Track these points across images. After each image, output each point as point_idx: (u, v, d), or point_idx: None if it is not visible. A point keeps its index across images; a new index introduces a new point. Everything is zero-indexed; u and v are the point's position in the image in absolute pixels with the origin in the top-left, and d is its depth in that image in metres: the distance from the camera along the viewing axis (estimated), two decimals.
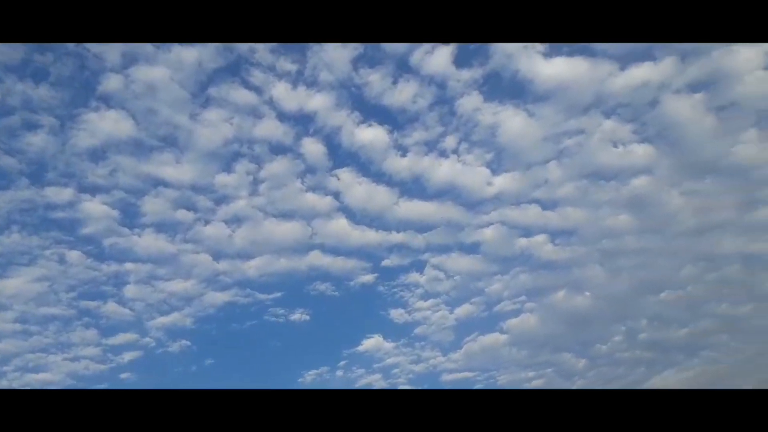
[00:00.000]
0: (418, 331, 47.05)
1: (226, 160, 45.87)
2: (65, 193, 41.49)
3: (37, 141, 40.66)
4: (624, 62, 41.63)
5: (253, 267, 46.32)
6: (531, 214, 45.14)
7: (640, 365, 42.96)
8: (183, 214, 44.34)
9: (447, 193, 47.06)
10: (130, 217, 43.65)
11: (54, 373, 39.59)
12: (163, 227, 44.69)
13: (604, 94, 42.86)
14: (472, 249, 47.32)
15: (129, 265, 43.32)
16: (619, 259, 44.70)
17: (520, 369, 45.92)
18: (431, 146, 47.18)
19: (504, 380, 45.74)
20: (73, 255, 41.57)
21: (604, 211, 43.93)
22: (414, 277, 47.77)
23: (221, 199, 45.39)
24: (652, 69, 40.94)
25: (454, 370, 45.82)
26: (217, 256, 45.67)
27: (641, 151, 42.13)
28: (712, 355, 40.98)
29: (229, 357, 49.77)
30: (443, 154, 46.51)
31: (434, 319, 46.71)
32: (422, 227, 47.51)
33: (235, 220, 45.67)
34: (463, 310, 46.53)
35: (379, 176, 47.33)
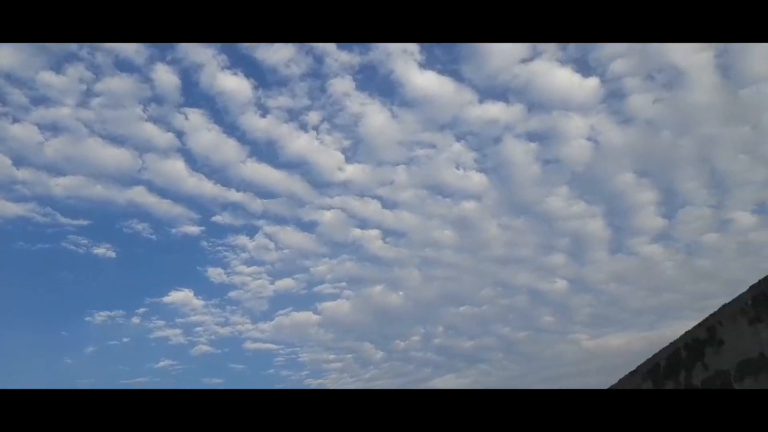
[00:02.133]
0: (232, 294, 45.91)
1: (59, 57, 39.84)
2: None
3: None
4: (484, 96, 45.72)
5: (61, 185, 40.79)
6: (371, 208, 46.98)
7: (428, 366, 47.37)
8: None
9: (298, 166, 46.81)
10: None
11: None
12: None
13: (460, 118, 46.46)
14: (308, 227, 47.68)
15: None
16: (436, 268, 48.78)
17: (323, 350, 47.43)
18: (294, 116, 46.44)
19: (305, 358, 46.80)
20: None
21: (434, 222, 47.60)
22: (243, 240, 46.51)
23: (40, 100, 39.18)
24: (504, 110, 45.43)
25: (258, 339, 45.63)
26: (20, 161, 39.38)
27: (477, 179, 46.54)
28: (486, 368, 46.85)
29: (7, 276, 43.16)
30: (304, 127, 46.04)
31: (252, 287, 46.01)
32: (264, 193, 46.60)
33: (52, 128, 39.80)
34: (284, 283, 46.62)
35: (232, 129, 45.14)
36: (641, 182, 44.19)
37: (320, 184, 47.33)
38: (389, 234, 47.67)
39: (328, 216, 46.76)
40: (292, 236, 47.03)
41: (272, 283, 46.24)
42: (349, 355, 47.66)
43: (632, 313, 46.04)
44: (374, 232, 47.01)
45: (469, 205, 46.57)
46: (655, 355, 7.10)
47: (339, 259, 47.52)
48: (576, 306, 46.16)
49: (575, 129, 44.04)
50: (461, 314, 47.59)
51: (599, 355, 43.96)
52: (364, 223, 47.06)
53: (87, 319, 42.24)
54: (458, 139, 46.18)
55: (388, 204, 47.47)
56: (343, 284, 47.41)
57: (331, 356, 47.11)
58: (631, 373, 7.61)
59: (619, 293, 45.88)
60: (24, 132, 38.70)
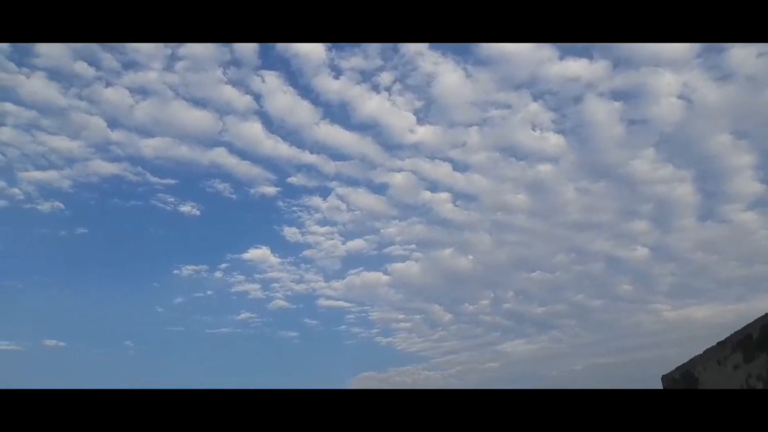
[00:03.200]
0: (307, 253, 47.58)
1: None
2: None
3: None
4: (565, 52, 43.35)
5: (150, 146, 43.45)
6: (442, 171, 46.60)
7: (497, 330, 47.30)
8: (83, 67, 40.03)
9: (370, 128, 46.90)
10: (20, 54, 38.69)
11: None
12: (57, 75, 40.17)
13: (539, 77, 44.54)
14: (379, 189, 48.09)
15: (8, 106, 38.75)
16: (507, 232, 48.01)
17: (392, 309, 48.48)
18: (366, 77, 46.32)
19: (375, 316, 48.09)
20: None
21: (507, 186, 46.55)
22: (316, 201, 47.78)
23: (130, 64, 41.49)
24: (587, 67, 43.07)
25: (331, 297, 47.26)
26: (114, 123, 42.18)
27: (554, 141, 44.77)
28: (557, 335, 46.12)
29: (105, 231, 47.06)
30: (376, 88, 45.93)
31: (325, 246, 47.41)
32: (337, 155, 47.21)
33: (142, 91, 42.13)
34: (355, 244, 47.66)
35: (306, 91, 45.80)
36: (738, 144, 40.83)
37: (391, 146, 47.41)
38: (460, 197, 47.28)
39: (398, 178, 46.96)
40: (363, 198, 47.75)
41: (344, 243, 47.44)
42: (418, 316, 48.47)
43: (719, 283, 43.37)
44: (444, 195, 46.79)
45: (544, 168, 45.10)
46: (747, 326, 6.67)
47: (409, 221, 47.86)
48: (657, 275, 44.09)
49: (666, 86, 41.12)
50: (533, 280, 46.83)
51: (680, 327, 41.97)
52: (434, 186, 46.90)
53: (175, 272, 45.46)
54: (535, 98, 44.49)
55: (459, 166, 46.90)
56: (413, 246, 47.82)
57: (401, 316, 48.12)
58: (720, 344, 7.22)
59: (706, 263, 43.26)
60: (116, 95, 41.35)
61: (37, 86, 38.71)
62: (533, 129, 45.15)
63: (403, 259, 47.97)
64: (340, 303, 47.43)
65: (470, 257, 47.97)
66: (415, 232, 47.90)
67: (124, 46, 40.43)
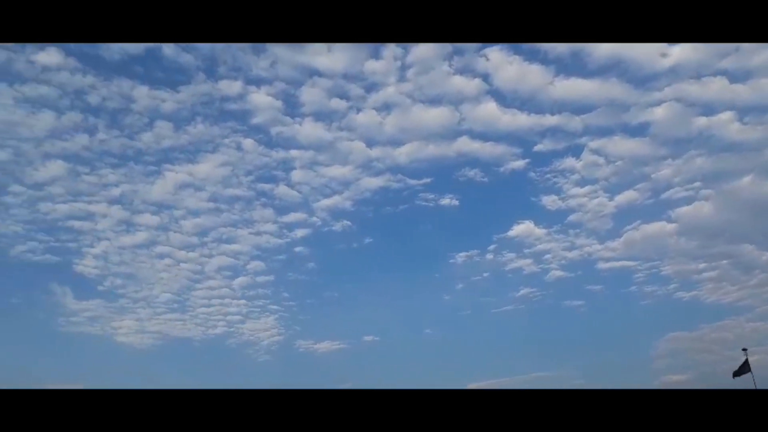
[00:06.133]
0: (572, 218, 45.43)
1: (374, 45, 46.19)
2: (235, 86, 45.84)
3: None
4: None
5: (403, 153, 47.74)
6: (714, 87, 38.91)
7: None
8: (337, 103, 46.51)
9: (611, 68, 42.22)
10: (291, 107, 47.11)
11: (242, 244, 46.62)
12: (320, 116, 47.60)
13: None
14: (638, 131, 42.94)
15: (294, 152, 47.55)
16: None
17: (688, 260, 42.51)
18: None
19: (669, 270, 42.88)
20: (248, 143, 46.72)
21: None
22: (569, 162, 45.28)
23: (371, 87, 46.38)
24: None
25: (611, 259, 44.03)
26: (370, 142, 47.75)
27: None
28: None
29: (385, 237, 53.53)
30: None
31: (591, 207, 44.47)
32: (580, 108, 43.91)
33: (385, 108, 46.68)
34: (625, 197, 43.43)
35: (532, 54, 43.98)
36: None
37: (641, 79, 41.79)
38: (747, 112, 38.76)
39: (659, 112, 41.11)
40: (621, 145, 43.22)
41: (611, 199, 43.69)
42: (725, 261, 41.34)
43: None
44: (725, 116, 38.99)
45: None
46: None
47: (685, 157, 41.35)
48: None
49: None
50: None
51: None
52: (708, 109, 39.52)
53: (450, 261, 48.73)
54: None
55: (737, 76, 38.43)
56: (697, 184, 41.11)
57: (701, 265, 41.78)
58: None
59: None
60: (367, 118, 46.84)
61: (308, 130, 46.71)
62: None
63: (689, 201, 41.65)
64: (623, 263, 43.78)
65: None
66: (696, 166, 41.11)
67: (362, 72, 45.54)
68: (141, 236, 44.72)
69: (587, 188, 44.51)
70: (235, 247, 46.67)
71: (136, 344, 43.40)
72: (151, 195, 45.17)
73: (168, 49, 43.73)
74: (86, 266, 43.65)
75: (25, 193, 42.39)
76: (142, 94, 44.35)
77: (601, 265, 44.52)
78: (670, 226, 42.52)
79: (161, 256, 45.33)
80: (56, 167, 42.77)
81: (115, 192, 44.12)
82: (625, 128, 43.35)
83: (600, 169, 44.13)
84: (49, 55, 41.29)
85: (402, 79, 46.08)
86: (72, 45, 41.37)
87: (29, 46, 40.44)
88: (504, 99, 45.98)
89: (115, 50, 42.69)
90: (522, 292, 46.94)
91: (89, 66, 43.22)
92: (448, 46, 44.51)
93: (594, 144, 43.87)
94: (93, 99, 43.40)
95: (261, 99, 46.11)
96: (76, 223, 43.47)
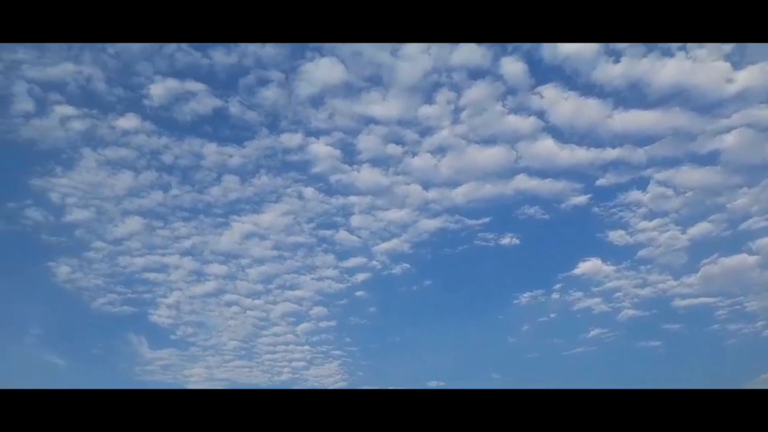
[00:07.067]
0: (642, 253, 43.42)
1: (427, 91, 47.08)
2: (296, 138, 47.77)
3: (269, 95, 47.33)
4: None
5: (460, 194, 47.70)
6: None
7: None
8: (393, 149, 47.45)
9: (673, 97, 40.97)
10: (349, 155, 48.46)
11: (305, 290, 47.48)
12: (377, 162, 48.59)
13: None
14: (708, 159, 41.04)
15: (353, 198, 48.55)
16: None
17: None
18: (651, 46, 41.21)
19: (754, 306, 39.87)
20: (308, 191, 48.20)
21: None
22: (635, 195, 43.69)
23: (425, 131, 47.13)
24: None
25: (688, 295, 41.52)
26: (426, 185, 48.11)
27: None
28: None
29: (445, 279, 52.93)
30: (667, 52, 40.32)
31: (662, 241, 42.44)
32: (643, 140, 42.62)
33: (440, 150, 47.13)
34: (698, 229, 41.25)
35: (588, 88, 43.42)
36: None
37: (707, 106, 40.25)
38: None
39: (729, 139, 39.30)
40: (690, 175, 41.39)
41: (683, 232, 41.60)
42: None
43: None
44: None
45: None
46: None
47: (762, 184, 39.02)
48: None
49: None
50: None
51: None
52: None
53: (514, 302, 47.44)
54: None
55: None
56: None
57: None
58: None
59: None
60: (422, 161, 47.43)
61: (366, 176, 47.75)
62: None
63: None
64: (702, 299, 41.13)
65: None
66: None
67: (416, 117, 46.51)
68: (210, 285, 46.60)
69: (656, 221, 42.70)
70: (298, 293, 47.63)
71: None
72: (220, 245, 47.22)
73: (234, 108, 46.57)
74: (160, 316, 45.75)
75: (106, 249, 45.32)
76: (211, 150, 47.06)
77: (678, 303, 42.04)
78: (752, 259, 39.84)
79: (229, 304, 46.88)
80: (134, 223, 45.69)
81: (187, 244, 46.46)
82: (693, 158, 41.62)
83: (669, 201, 42.35)
84: (128, 120, 44.81)
85: (456, 121, 46.65)
86: (148, 109, 44.88)
87: (110, 113, 44.19)
88: (561, 135, 45.44)
89: (187, 112, 45.88)
90: (593, 332, 44.82)
91: (163, 128, 46.54)
92: (500, 87, 44.85)
93: (660, 175, 42.32)
94: (167, 158, 46.46)
95: (320, 149, 47.85)
96: (151, 275, 45.86)
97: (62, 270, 43.79)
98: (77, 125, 43.54)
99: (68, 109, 42.82)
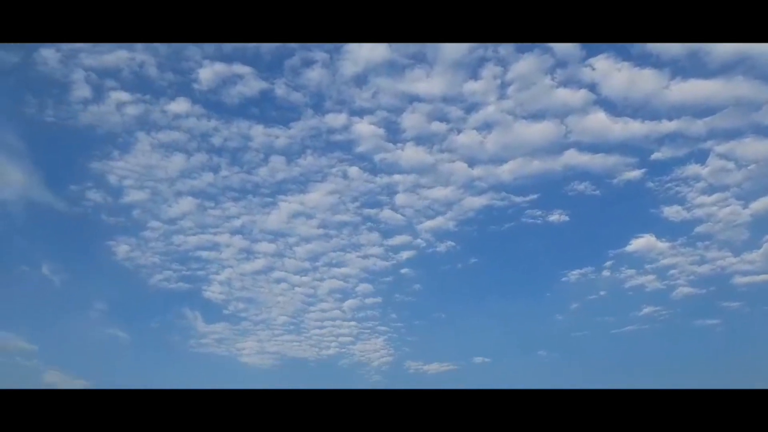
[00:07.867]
0: (699, 229, 41.71)
1: (472, 66, 46.18)
2: (340, 118, 47.98)
3: (314, 75, 47.60)
4: None
5: (506, 171, 46.86)
6: None
7: None
8: (437, 126, 46.93)
9: (735, 66, 38.66)
10: (392, 133, 48.32)
11: (351, 268, 48.15)
12: (420, 140, 48.26)
13: None
14: None
15: (397, 177, 48.53)
16: None
17: None
18: None
19: None
20: (353, 171, 48.48)
21: None
22: (693, 169, 41.79)
23: (471, 107, 46.33)
24: None
25: (750, 272, 39.74)
26: (472, 162, 47.46)
27: None
28: None
29: (491, 256, 52.49)
30: None
31: (721, 216, 40.60)
32: (702, 111, 40.54)
33: (486, 127, 46.28)
34: (762, 204, 39.19)
35: (643, 59, 41.53)
36: None
37: None
38: None
39: None
40: (754, 147, 39.19)
41: (745, 206, 39.61)
42: None
43: None
44: None
45: None
46: None
47: None
48: None
49: None
50: None
51: None
52: None
53: (563, 279, 46.57)
54: None
55: None
56: None
57: None
58: None
59: None
60: (468, 138, 46.74)
61: (410, 154, 47.55)
62: None
63: None
64: (764, 276, 39.28)
65: None
66: None
67: (461, 93, 45.75)
68: (259, 263, 47.94)
69: (716, 196, 40.80)
70: (344, 270, 48.36)
71: (258, 364, 46.15)
72: (268, 224, 48.38)
73: (279, 89, 47.13)
74: (213, 292, 47.54)
75: (161, 228, 47.23)
76: (258, 132, 47.99)
77: (738, 280, 40.29)
78: None
79: (278, 281, 48.17)
80: (187, 203, 47.37)
81: (237, 223, 47.80)
82: (757, 129, 39.33)
83: (730, 174, 40.31)
84: (179, 104, 46.17)
85: (502, 96, 45.61)
86: (197, 93, 46.01)
87: (162, 98, 45.57)
88: (614, 108, 43.77)
89: (234, 95, 46.79)
90: (645, 310, 43.60)
91: (212, 111, 47.69)
92: (549, 60, 43.46)
93: (721, 148, 40.27)
94: (216, 140, 47.69)
95: (364, 128, 47.90)
96: (204, 253, 47.59)
97: (122, 248, 46.06)
98: (131, 110, 45.26)
99: (123, 95, 44.55)
